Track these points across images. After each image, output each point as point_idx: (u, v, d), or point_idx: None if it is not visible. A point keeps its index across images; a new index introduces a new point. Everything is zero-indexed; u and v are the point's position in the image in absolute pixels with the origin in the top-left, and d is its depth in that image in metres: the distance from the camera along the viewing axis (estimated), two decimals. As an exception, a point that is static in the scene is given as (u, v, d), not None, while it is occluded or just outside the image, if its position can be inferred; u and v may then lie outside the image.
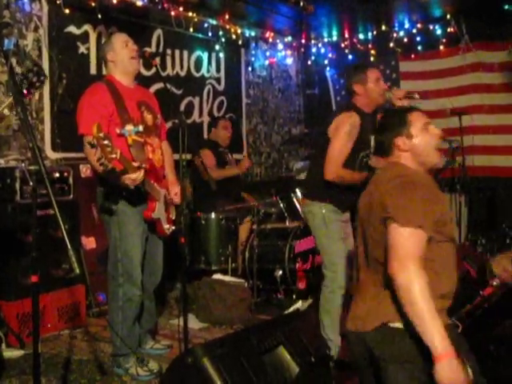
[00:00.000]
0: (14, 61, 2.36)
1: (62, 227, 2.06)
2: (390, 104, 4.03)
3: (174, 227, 3.88)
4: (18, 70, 4.90)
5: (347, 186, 3.84)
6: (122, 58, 3.70)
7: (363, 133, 3.86)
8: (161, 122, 3.98)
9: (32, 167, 2.33)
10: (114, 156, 2.93)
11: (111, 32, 5.88)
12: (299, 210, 5.67)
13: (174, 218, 3.92)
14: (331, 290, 3.95)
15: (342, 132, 3.80)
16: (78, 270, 2.09)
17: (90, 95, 3.58)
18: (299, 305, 3.22)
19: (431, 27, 7.34)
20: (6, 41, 2.41)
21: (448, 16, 7.11)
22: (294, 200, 5.89)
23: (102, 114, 3.46)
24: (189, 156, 5.09)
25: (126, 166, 3.14)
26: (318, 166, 3.92)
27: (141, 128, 3.45)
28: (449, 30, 7.15)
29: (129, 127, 3.38)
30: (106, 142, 2.86)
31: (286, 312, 3.20)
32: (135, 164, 3.22)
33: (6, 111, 2.69)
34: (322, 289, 4.04)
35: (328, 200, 3.93)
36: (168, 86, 4.55)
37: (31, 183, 2.38)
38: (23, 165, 2.71)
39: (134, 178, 3.22)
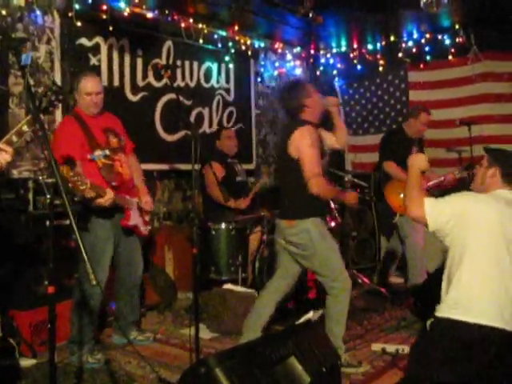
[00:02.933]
0: (30, 79, 2.40)
1: (79, 239, 2.09)
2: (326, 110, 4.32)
3: (149, 227, 4.60)
4: (38, 89, 5.01)
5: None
6: (84, 103, 4.30)
7: (319, 141, 4.07)
8: (126, 141, 4.50)
9: (49, 180, 2.36)
10: (84, 187, 3.60)
11: (122, 44, 5.95)
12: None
13: (148, 219, 4.56)
14: (341, 300, 4.00)
15: (306, 145, 3.92)
16: (94, 282, 2.11)
17: (61, 128, 4.30)
18: (310, 315, 3.23)
19: (440, 37, 7.36)
20: (24, 56, 2.44)
21: (457, 26, 7.12)
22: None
23: (73, 144, 4.05)
24: (198, 167, 5.12)
25: (98, 192, 3.83)
26: (291, 185, 4.09)
27: (107, 152, 4.17)
28: (457, 39, 7.16)
29: (97, 152, 4.12)
30: (75, 178, 3.53)
31: (297, 322, 3.22)
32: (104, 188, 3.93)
33: (25, 127, 2.71)
34: (328, 302, 4.05)
35: (314, 213, 4.01)
36: (177, 96, 4.71)
37: (48, 195, 2.41)
38: (40, 177, 2.74)
39: (104, 200, 3.92)
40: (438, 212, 2.97)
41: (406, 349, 4.24)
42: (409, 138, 6.12)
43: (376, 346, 4.40)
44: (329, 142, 4.35)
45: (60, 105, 2.83)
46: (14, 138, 2.74)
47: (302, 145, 3.93)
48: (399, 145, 6.08)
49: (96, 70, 5.71)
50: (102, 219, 4.21)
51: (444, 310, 2.88)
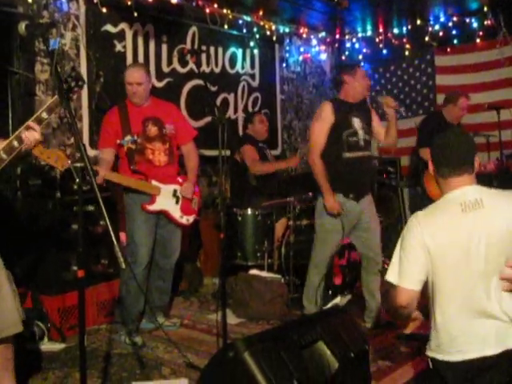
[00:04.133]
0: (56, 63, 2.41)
1: (109, 224, 2.09)
2: (379, 106, 4.67)
3: (191, 217, 4.56)
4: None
5: (355, 173, 4.45)
6: (128, 93, 4.44)
7: (341, 116, 4.39)
8: (179, 130, 4.57)
9: (78, 164, 2.37)
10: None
11: (147, 30, 5.95)
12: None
13: (194, 208, 4.59)
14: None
15: (315, 121, 4.52)
16: (123, 265, 2.12)
17: (105, 117, 4.51)
18: (338, 300, 3.22)
19: (467, 20, 7.23)
20: (52, 41, 2.44)
21: (485, 8, 6.99)
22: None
23: (110, 131, 4.37)
24: (228, 152, 5.14)
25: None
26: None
27: (136, 138, 4.32)
28: (486, 22, 7.04)
29: (126, 138, 4.31)
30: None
31: (325, 307, 3.21)
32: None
33: (44, 114, 2.73)
34: None
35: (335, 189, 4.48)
36: (205, 83, 4.80)
37: (77, 180, 2.41)
38: (69, 162, 2.74)
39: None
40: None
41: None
42: (448, 123, 6.06)
43: (404, 333, 4.36)
44: (377, 137, 4.72)
45: (80, 91, 2.81)
46: (44, 115, 2.77)
47: (312, 122, 4.62)
48: (438, 131, 6.01)
49: (121, 57, 5.74)
50: (137, 203, 4.34)
51: (431, 350, 2.63)
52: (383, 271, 3.50)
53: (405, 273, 2.53)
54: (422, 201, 6.18)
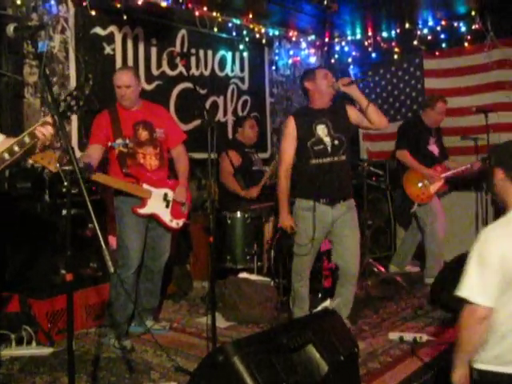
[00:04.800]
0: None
1: (97, 227, 2.08)
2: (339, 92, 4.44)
3: (181, 221, 4.55)
4: (63, 94, 5.04)
5: (326, 177, 4.38)
6: (117, 96, 4.43)
7: (303, 127, 4.39)
8: (169, 134, 4.58)
9: (66, 167, 2.36)
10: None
11: (136, 33, 5.95)
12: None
13: (184, 212, 4.58)
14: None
15: (282, 139, 4.59)
16: (112, 269, 2.11)
17: (95, 119, 4.45)
18: (327, 303, 3.22)
19: (456, 24, 7.26)
20: (40, 43, 2.44)
21: (473, 12, 7.02)
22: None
23: (99, 132, 4.36)
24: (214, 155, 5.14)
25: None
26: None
27: (128, 142, 4.32)
28: (473, 26, 7.06)
29: (118, 141, 4.32)
30: None
31: (315, 310, 3.21)
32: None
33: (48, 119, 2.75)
34: None
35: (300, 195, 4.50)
36: (194, 86, 4.81)
37: (65, 183, 2.41)
38: (57, 165, 2.74)
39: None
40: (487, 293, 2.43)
41: (424, 337, 4.23)
42: (426, 127, 6.13)
43: (393, 335, 4.38)
44: (362, 124, 4.55)
45: (79, 110, 2.84)
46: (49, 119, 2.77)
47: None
48: (417, 135, 6.09)
49: (110, 59, 5.73)
50: (128, 206, 4.33)
51: (483, 362, 2.52)
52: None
53: (483, 288, 2.42)
54: (403, 202, 6.26)
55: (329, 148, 4.37)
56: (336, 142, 4.39)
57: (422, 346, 4.15)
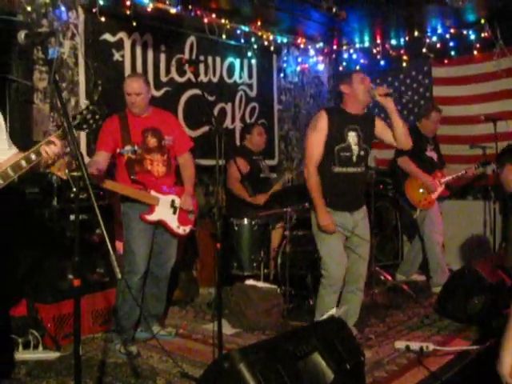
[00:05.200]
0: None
1: (105, 233, 2.09)
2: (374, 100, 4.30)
3: (188, 228, 4.57)
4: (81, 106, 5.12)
5: (344, 188, 4.29)
6: (127, 103, 4.43)
7: (335, 128, 4.21)
8: (176, 141, 4.59)
9: (74, 173, 2.38)
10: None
11: (145, 39, 5.98)
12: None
13: (191, 219, 4.60)
14: (321, 286, 4.41)
15: (310, 130, 4.33)
16: (119, 275, 2.12)
17: (104, 124, 4.34)
18: (334, 311, 3.22)
19: (465, 32, 7.26)
20: (51, 50, 2.47)
21: (482, 21, 7.02)
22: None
23: (108, 137, 4.37)
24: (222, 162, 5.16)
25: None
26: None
27: (136, 148, 4.35)
28: (483, 34, 7.06)
29: (127, 148, 4.34)
30: None
31: (321, 318, 3.20)
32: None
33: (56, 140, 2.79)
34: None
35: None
36: (203, 92, 4.83)
37: (74, 189, 2.42)
38: (66, 171, 2.76)
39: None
40: None
41: (431, 346, 4.21)
42: (423, 136, 6.18)
43: (400, 344, 4.36)
44: (385, 138, 4.45)
45: (95, 125, 2.88)
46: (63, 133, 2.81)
47: (308, 130, 4.35)
48: (415, 142, 6.09)
49: (119, 66, 5.76)
50: (135, 212, 4.36)
51: None
52: None
53: None
54: (404, 209, 6.29)
55: (354, 157, 4.26)
56: (362, 152, 4.30)
57: (428, 356, 4.13)
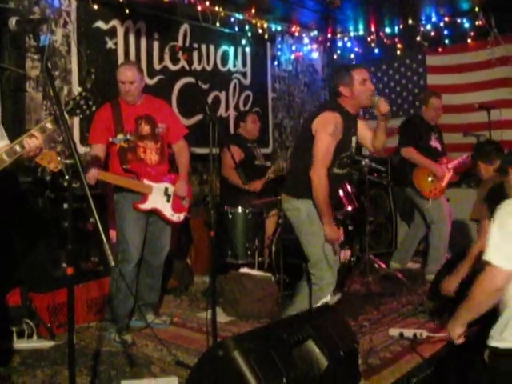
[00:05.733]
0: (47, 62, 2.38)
1: (98, 222, 2.09)
2: (373, 109, 4.11)
3: (182, 215, 4.59)
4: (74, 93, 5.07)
5: (335, 187, 4.06)
6: (120, 91, 4.41)
7: (346, 134, 3.95)
8: (170, 128, 4.57)
9: (67, 161, 2.37)
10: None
11: (138, 27, 5.94)
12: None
13: (185, 206, 4.61)
14: (318, 289, 4.02)
15: (327, 133, 3.85)
16: (113, 263, 2.11)
17: (96, 113, 4.26)
18: (328, 299, 3.23)
19: (459, 20, 7.24)
20: (42, 37, 2.44)
21: (476, 9, 7.01)
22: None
23: (101, 127, 4.35)
24: (216, 150, 5.14)
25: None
26: (302, 162, 3.99)
27: (129, 136, 4.33)
28: (477, 23, 7.04)
29: (119, 136, 4.32)
30: None
31: (315, 306, 3.21)
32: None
33: (48, 125, 2.80)
34: (312, 287, 4.10)
35: (311, 196, 3.96)
36: (196, 80, 4.81)
37: (67, 177, 2.42)
38: (59, 158, 2.76)
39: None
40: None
41: (424, 333, 4.23)
42: (428, 124, 6.13)
43: (394, 331, 4.38)
44: (364, 142, 4.31)
45: (88, 111, 2.89)
46: (49, 125, 2.83)
47: (324, 129, 3.87)
48: (419, 131, 6.08)
49: (112, 53, 5.73)
50: (128, 201, 4.35)
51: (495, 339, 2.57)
52: None
53: (505, 253, 2.49)
54: (413, 200, 6.24)
55: (349, 160, 4.15)
56: (352, 155, 4.20)
57: (422, 343, 4.15)
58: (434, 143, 6.19)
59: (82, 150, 5.32)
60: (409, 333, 4.28)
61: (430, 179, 6.04)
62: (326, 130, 3.86)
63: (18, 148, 2.75)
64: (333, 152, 3.90)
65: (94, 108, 2.92)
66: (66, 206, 4.51)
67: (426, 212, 6.13)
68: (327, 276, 4.01)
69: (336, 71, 4.31)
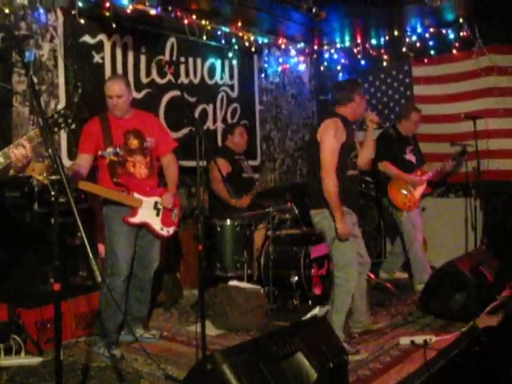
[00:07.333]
0: (34, 76, 2.39)
1: (84, 237, 2.08)
2: (362, 122, 4.69)
3: (171, 229, 4.57)
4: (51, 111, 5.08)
5: (353, 188, 4.45)
6: (108, 105, 4.42)
7: (349, 135, 4.31)
8: (159, 142, 4.60)
9: (53, 177, 2.36)
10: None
11: (125, 41, 5.95)
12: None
13: (175, 220, 4.60)
14: (344, 291, 4.30)
15: (330, 136, 4.22)
16: (99, 278, 2.11)
17: (84, 126, 4.41)
18: (317, 311, 3.23)
19: (444, 31, 7.30)
20: (27, 53, 2.45)
21: (461, 20, 7.07)
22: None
23: (90, 140, 4.35)
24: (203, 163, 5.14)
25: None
26: (317, 175, 4.28)
27: (118, 150, 4.34)
28: (462, 33, 7.10)
29: (108, 150, 4.33)
30: None
31: (304, 318, 3.21)
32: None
33: (36, 134, 2.79)
34: (334, 289, 4.35)
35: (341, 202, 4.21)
36: (182, 93, 4.83)
37: (53, 192, 2.41)
38: (44, 174, 2.75)
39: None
40: None
41: (433, 339, 4.30)
42: (403, 136, 6.26)
43: (404, 340, 4.41)
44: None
45: (67, 128, 2.88)
46: (36, 135, 2.81)
47: (325, 135, 4.24)
48: (394, 145, 6.19)
49: (99, 68, 5.73)
50: (117, 214, 4.34)
51: None
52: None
53: None
54: (391, 211, 6.32)
55: (356, 159, 4.49)
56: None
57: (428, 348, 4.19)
58: (409, 156, 6.30)
59: (69, 164, 5.30)
60: (419, 340, 4.31)
61: (404, 192, 6.15)
62: (328, 133, 4.23)
63: (1, 159, 2.72)
64: (341, 154, 4.23)
65: (72, 126, 2.90)
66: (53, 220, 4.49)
67: (399, 224, 6.21)
68: (352, 279, 4.31)
69: (351, 81, 4.78)
